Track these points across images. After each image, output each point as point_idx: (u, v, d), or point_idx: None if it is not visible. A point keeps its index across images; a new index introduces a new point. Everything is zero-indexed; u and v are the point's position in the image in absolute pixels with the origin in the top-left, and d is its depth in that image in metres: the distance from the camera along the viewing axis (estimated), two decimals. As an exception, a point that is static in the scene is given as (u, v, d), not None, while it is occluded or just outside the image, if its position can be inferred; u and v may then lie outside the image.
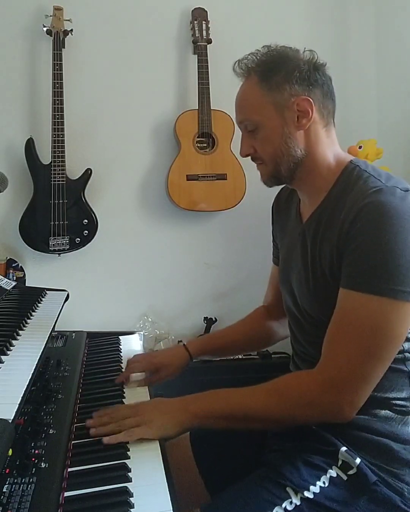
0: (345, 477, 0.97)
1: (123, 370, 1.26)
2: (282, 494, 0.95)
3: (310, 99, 1.03)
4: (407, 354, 1.02)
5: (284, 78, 1.03)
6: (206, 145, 2.21)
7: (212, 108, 2.16)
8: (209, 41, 2.18)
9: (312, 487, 0.95)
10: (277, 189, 1.29)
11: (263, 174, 1.12)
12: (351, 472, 0.97)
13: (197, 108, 2.16)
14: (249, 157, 1.12)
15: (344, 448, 0.98)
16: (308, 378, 1.00)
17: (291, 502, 0.94)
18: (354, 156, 1.11)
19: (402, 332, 0.94)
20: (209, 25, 2.19)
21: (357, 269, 0.94)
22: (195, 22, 2.19)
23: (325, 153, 1.07)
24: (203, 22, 2.19)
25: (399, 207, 0.93)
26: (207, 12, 2.21)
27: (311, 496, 0.94)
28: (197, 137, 2.19)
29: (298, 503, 0.93)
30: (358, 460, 0.96)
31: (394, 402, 1.01)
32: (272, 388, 1.01)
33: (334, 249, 0.99)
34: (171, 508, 0.77)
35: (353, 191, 1.00)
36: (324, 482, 0.96)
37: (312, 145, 1.06)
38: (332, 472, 0.97)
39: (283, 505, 0.93)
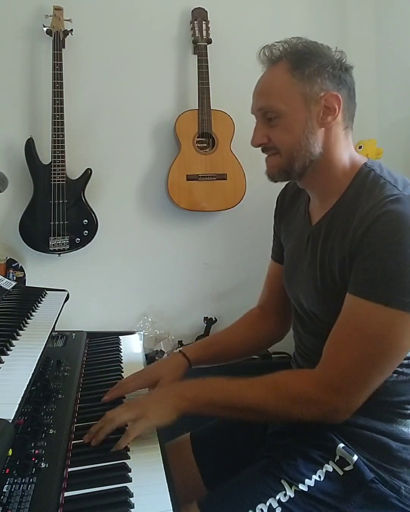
0: (341, 473, 0.97)
1: (123, 370, 1.25)
2: (276, 486, 0.95)
3: (340, 96, 1.01)
4: None
5: (316, 70, 1.00)
6: (205, 145, 2.21)
7: (212, 108, 2.16)
8: (209, 41, 2.18)
9: (307, 480, 0.96)
10: (277, 188, 1.28)
11: (273, 165, 1.06)
12: (347, 468, 0.97)
13: (197, 108, 2.16)
14: (255, 152, 1.07)
15: (341, 445, 0.99)
16: (307, 377, 1.00)
17: (285, 495, 0.94)
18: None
19: (407, 344, 0.94)
20: (209, 25, 2.19)
21: (368, 277, 0.92)
22: (195, 22, 2.19)
23: (342, 155, 1.04)
24: (204, 22, 2.19)
25: None
26: (207, 12, 2.21)
27: (305, 489, 0.95)
28: (198, 137, 2.19)
29: (292, 496, 0.94)
30: (355, 457, 0.97)
31: (398, 405, 1.01)
32: (270, 382, 1.01)
33: (346, 255, 0.97)
34: (171, 508, 0.77)
35: (369, 198, 0.97)
36: (319, 476, 0.97)
37: (331, 145, 1.03)
38: (328, 467, 0.98)
39: (277, 497, 0.94)
